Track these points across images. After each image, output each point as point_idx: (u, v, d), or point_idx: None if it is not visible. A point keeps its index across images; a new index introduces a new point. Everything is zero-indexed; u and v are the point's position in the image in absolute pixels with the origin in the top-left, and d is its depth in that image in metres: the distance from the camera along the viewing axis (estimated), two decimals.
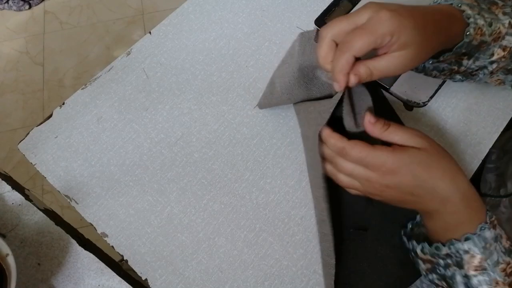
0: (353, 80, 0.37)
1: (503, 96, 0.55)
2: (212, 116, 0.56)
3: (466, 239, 0.37)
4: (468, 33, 0.41)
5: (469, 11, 0.40)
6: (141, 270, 0.47)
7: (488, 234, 0.37)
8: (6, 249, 0.42)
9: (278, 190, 0.51)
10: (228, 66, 0.59)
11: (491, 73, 0.46)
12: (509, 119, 0.54)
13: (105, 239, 0.49)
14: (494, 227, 0.37)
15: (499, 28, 0.41)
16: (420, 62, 0.39)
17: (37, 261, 0.47)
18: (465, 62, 0.44)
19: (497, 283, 0.36)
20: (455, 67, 0.45)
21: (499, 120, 0.54)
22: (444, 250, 0.38)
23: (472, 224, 0.37)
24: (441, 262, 0.40)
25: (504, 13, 0.42)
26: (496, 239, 0.37)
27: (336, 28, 0.37)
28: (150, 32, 0.61)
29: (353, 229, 0.48)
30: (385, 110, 0.54)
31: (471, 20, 0.40)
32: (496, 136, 0.53)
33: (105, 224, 0.50)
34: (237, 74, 0.58)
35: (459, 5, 0.41)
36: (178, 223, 0.50)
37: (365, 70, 0.37)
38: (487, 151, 0.52)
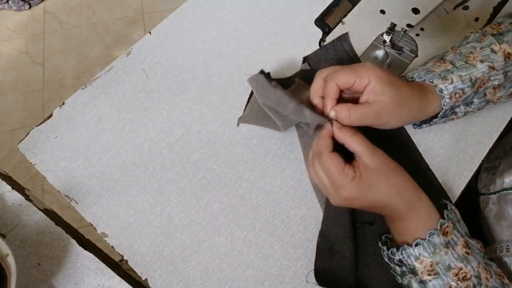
0: (332, 114, 0.43)
1: None
2: (212, 116, 0.56)
3: (416, 244, 0.39)
4: (445, 103, 0.45)
5: (441, 85, 0.44)
6: (141, 270, 0.48)
7: (437, 240, 0.39)
8: (6, 249, 0.42)
9: (278, 190, 0.51)
10: (228, 66, 0.59)
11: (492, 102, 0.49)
12: (509, 119, 0.54)
13: (105, 239, 0.49)
14: (445, 234, 0.39)
15: (480, 77, 0.45)
16: (396, 117, 0.43)
17: (37, 261, 0.47)
18: (458, 109, 0.47)
19: (450, 287, 0.38)
20: (453, 116, 0.49)
21: (499, 120, 0.54)
22: (397, 256, 0.41)
23: (423, 230, 0.40)
24: (398, 269, 0.42)
25: (482, 61, 0.45)
26: (448, 245, 0.39)
27: (328, 71, 0.44)
28: (150, 32, 0.61)
29: (360, 223, 0.48)
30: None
31: (445, 92, 0.44)
32: (496, 136, 0.53)
33: (105, 224, 0.50)
34: (237, 74, 0.58)
35: (431, 80, 0.45)
36: (178, 223, 0.50)
37: (344, 110, 0.42)
38: (487, 151, 0.52)
